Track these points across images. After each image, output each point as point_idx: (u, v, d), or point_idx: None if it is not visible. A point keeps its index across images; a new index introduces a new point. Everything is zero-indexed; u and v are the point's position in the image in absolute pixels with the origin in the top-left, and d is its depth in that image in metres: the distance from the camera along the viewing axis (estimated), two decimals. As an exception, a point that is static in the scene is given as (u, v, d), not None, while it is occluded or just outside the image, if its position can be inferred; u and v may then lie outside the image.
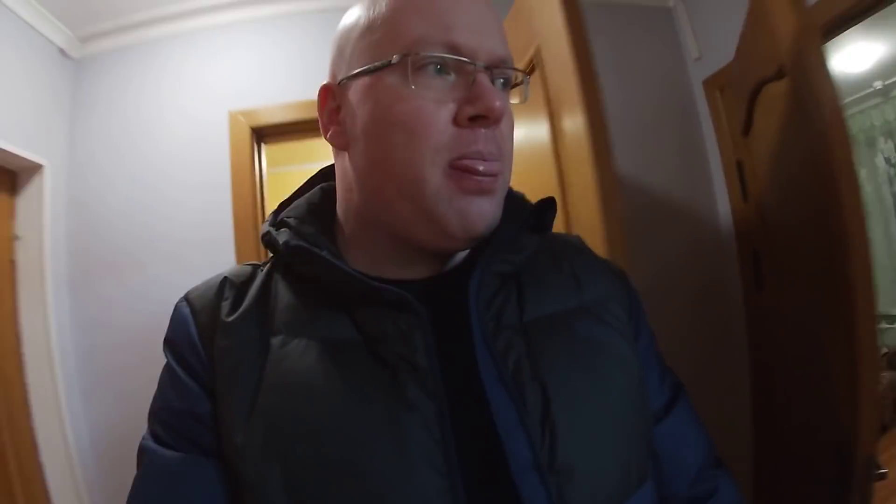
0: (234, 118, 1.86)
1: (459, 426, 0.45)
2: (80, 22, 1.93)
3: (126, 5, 1.90)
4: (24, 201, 1.87)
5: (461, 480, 0.44)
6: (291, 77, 1.89)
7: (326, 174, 0.64)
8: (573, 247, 0.63)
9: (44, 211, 1.86)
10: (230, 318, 0.51)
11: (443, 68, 0.48)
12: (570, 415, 0.48)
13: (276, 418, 0.45)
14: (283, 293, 0.52)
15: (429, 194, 0.48)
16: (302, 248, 0.50)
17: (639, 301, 0.63)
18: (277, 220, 0.57)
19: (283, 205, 0.61)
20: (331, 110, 0.54)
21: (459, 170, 0.48)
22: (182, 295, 0.56)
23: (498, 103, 0.47)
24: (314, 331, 0.49)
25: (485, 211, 0.49)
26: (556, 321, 0.53)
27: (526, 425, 0.46)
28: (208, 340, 0.50)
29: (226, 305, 0.52)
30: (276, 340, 0.49)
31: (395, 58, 0.47)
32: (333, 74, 0.54)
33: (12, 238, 1.85)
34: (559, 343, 0.51)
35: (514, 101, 0.56)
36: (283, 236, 0.53)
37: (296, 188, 0.63)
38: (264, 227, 0.56)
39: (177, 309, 0.54)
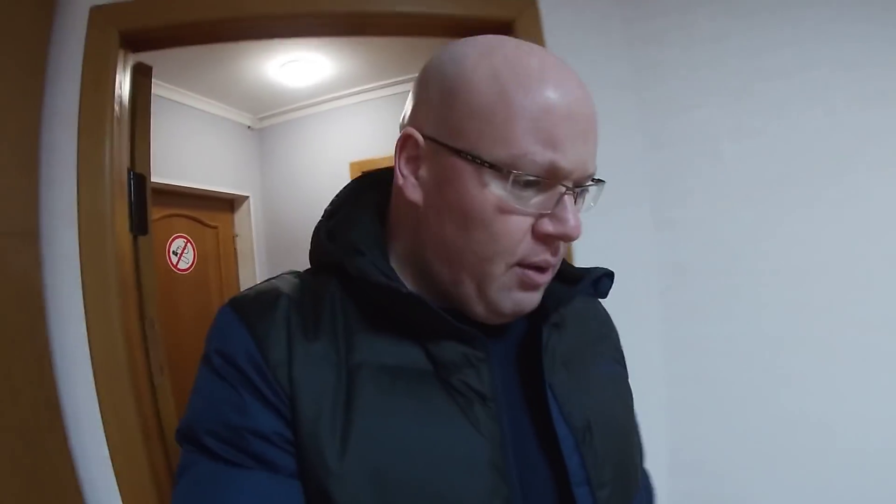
0: (352, 165, 3.23)
1: (520, 450, 0.51)
2: (258, 109, 3.36)
3: (285, 99, 3.29)
4: (238, 216, 3.34)
5: (521, 494, 0.49)
6: (392, 136, 3.24)
7: (368, 183, 0.63)
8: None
9: (251, 221, 3.32)
10: (312, 344, 0.49)
11: (538, 185, 0.48)
12: (604, 440, 0.54)
13: (370, 442, 0.46)
14: (355, 318, 0.52)
15: (493, 285, 0.50)
16: (391, 287, 0.49)
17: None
18: (342, 240, 0.55)
19: (332, 212, 0.59)
20: (409, 157, 0.52)
21: (525, 268, 0.50)
22: (230, 304, 0.52)
23: (576, 226, 0.48)
24: (392, 358, 0.50)
25: (535, 301, 0.53)
26: (586, 360, 0.60)
27: (581, 450, 0.52)
28: (278, 362, 0.48)
29: (297, 327, 0.50)
30: (357, 367, 0.49)
31: (497, 164, 0.46)
32: (419, 122, 0.52)
33: (234, 236, 3.33)
34: (589, 381, 0.58)
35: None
36: (360, 263, 0.51)
37: (341, 196, 0.61)
38: (329, 247, 0.55)
39: (226, 321, 0.50)
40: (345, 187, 0.62)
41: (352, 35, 1.55)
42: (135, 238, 1.34)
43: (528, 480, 0.50)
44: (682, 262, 1.40)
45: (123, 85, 1.27)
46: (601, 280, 0.59)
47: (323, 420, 0.46)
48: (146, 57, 1.37)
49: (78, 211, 1.19)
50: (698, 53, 1.37)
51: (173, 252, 2.88)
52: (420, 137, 0.51)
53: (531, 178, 0.47)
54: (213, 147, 3.10)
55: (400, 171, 0.53)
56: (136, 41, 1.29)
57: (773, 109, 1.30)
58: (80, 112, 1.20)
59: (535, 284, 0.51)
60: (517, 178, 0.47)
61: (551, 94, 0.46)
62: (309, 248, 0.59)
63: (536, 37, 1.37)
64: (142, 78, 1.36)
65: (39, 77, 1.19)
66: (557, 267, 0.54)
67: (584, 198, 0.52)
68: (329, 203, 0.60)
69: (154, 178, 1.46)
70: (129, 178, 1.31)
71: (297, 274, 0.57)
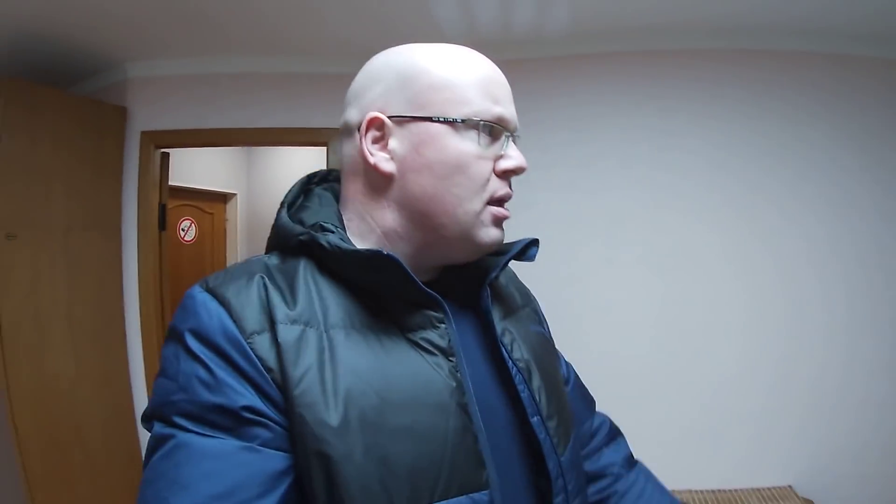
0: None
1: (481, 393, 0.58)
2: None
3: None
4: (229, 206, 4.82)
5: (487, 433, 0.56)
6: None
7: (315, 179, 0.70)
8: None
9: (237, 210, 4.80)
10: (293, 310, 0.53)
11: (491, 132, 0.60)
12: (544, 383, 0.65)
13: (357, 397, 0.51)
14: (326, 290, 0.57)
15: (473, 220, 0.60)
16: (373, 252, 0.54)
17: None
18: (311, 224, 0.60)
19: (290, 203, 0.65)
20: (375, 138, 0.60)
21: (494, 204, 0.61)
22: (200, 286, 0.55)
23: (524, 159, 0.62)
24: (363, 321, 0.56)
25: (502, 236, 0.64)
26: (519, 319, 0.72)
27: (530, 388, 0.63)
28: (257, 335, 0.51)
29: (276, 298, 0.54)
30: (336, 333, 0.54)
31: (466, 118, 0.59)
32: (380, 107, 0.60)
33: (225, 220, 4.81)
34: (524, 335, 0.68)
35: None
36: (333, 239, 0.57)
37: (294, 191, 0.67)
38: (297, 228, 0.60)
39: (197, 300, 0.53)
40: (296, 184, 0.68)
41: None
42: (160, 232, 2.82)
43: (490, 418, 0.58)
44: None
45: (155, 163, 2.76)
46: (529, 247, 0.69)
47: (313, 378, 0.50)
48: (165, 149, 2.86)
49: (138, 219, 2.69)
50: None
51: (182, 229, 4.36)
52: (386, 118, 0.60)
53: (490, 124, 0.59)
54: (214, 159, 4.56)
55: (368, 151, 0.60)
56: (161, 144, 2.76)
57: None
58: (139, 176, 2.69)
59: (503, 218, 0.63)
60: (483, 127, 0.59)
61: (487, 68, 0.62)
62: (267, 243, 0.65)
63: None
64: (165, 161, 2.85)
65: (119, 164, 2.69)
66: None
67: (517, 146, 0.63)
68: (284, 197, 0.66)
69: (172, 181, 2.94)
70: (159, 205, 2.80)
71: (263, 257, 0.61)
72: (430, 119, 0.59)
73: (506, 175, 0.63)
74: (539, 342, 0.72)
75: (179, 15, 2.21)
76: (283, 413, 0.51)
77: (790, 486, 2.22)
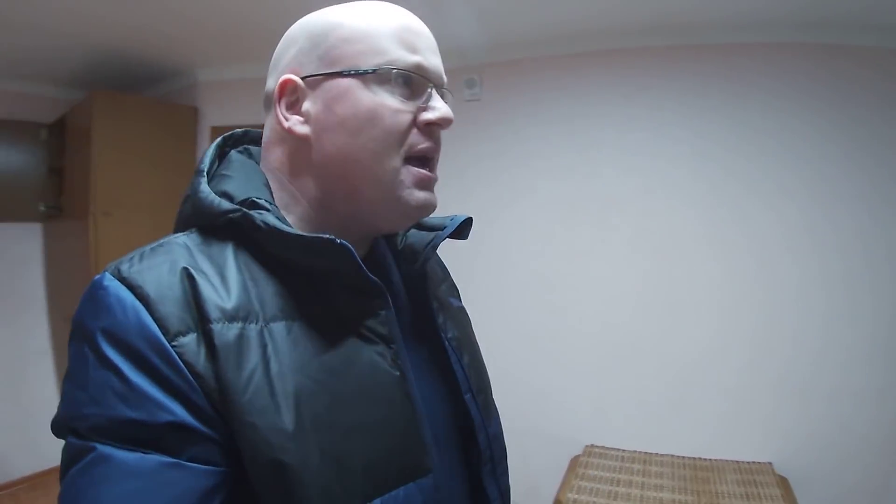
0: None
1: (420, 377, 0.58)
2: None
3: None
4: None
5: (427, 412, 0.56)
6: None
7: (231, 144, 0.64)
8: None
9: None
10: (229, 305, 0.48)
11: (409, 82, 0.56)
12: (470, 357, 0.67)
13: (311, 397, 0.48)
14: (260, 276, 0.52)
15: (393, 179, 0.56)
16: (320, 238, 0.50)
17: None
18: (239, 199, 0.54)
19: (208, 173, 0.58)
20: (289, 102, 0.57)
21: (416, 164, 0.57)
22: (110, 272, 0.48)
23: (448, 110, 0.58)
24: (306, 313, 0.52)
25: (434, 201, 0.60)
26: (445, 294, 0.73)
27: (462, 364, 0.65)
28: (186, 341, 0.45)
29: (209, 290, 0.48)
30: (277, 325, 0.50)
31: (378, 68, 0.55)
32: (295, 69, 0.57)
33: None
34: (449, 310, 0.70)
35: None
36: (269, 219, 0.51)
37: (210, 157, 0.60)
38: (225, 204, 0.53)
39: (110, 292, 0.46)
40: (210, 147, 0.61)
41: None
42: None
43: (427, 399, 0.58)
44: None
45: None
46: (464, 225, 0.67)
47: (261, 380, 0.46)
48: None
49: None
50: (460, 163, 3.09)
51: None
52: (298, 79, 0.57)
53: (406, 72, 0.55)
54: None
55: (283, 116, 0.57)
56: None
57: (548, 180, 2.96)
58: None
59: (427, 180, 0.58)
60: (396, 76, 0.55)
61: (405, 17, 0.59)
62: (179, 216, 0.57)
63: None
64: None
65: (192, 155, 3.23)
66: (434, 173, 0.60)
67: (446, 102, 0.60)
68: (199, 163, 0.58)
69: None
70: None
71: (183, 238, 0.53)
72: (340, 74, 0.56)
73: (429, 128, 0.58)
74: (461, 316, 0.74)
75: (243, 27, 2.65)
76: (214, 424, 0.45)
77: (770, 464, 2.30)
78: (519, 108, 2.86)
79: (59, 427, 0.47)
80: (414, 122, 0.58)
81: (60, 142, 3.29)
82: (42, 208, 3.39)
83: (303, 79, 0.57)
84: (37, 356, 3.26)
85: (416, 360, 0.60)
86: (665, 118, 2.55)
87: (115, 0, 2.28)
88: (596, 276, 2.68)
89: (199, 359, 0.46)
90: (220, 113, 3.24)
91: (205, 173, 0.58)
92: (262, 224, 0.51)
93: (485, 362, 0.74)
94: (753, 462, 2.32)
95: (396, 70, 0.56)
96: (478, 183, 2.97)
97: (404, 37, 0.58)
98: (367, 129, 0.56)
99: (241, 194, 0.55)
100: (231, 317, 0.48)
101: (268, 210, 0.54)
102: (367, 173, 0.56)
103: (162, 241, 0.53)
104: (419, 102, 0.58)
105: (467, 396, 0.64)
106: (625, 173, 2.63)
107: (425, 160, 0.59)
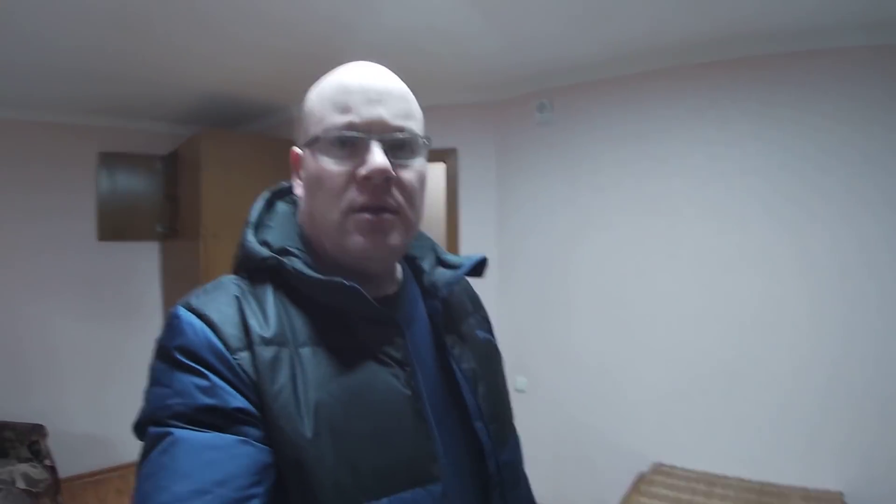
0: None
1: (433, 399, 0.64)
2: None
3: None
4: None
5: (438, 433, 0.62)
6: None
7: (277, 195, 0.74)
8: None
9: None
10: (268, 333, 0.57)
11: (343, 142, 0.61)
12: (487, 388, 0.71)
13: (326, 409, 0.55)
14: (293, 310, 0.61)
15: (337, 230, 0.62)
16: (333, 281, 0.59)
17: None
18: (276, 248, 0.64)
19: (256, 224, 0.69)
20: (295, 168, 0.68)
21: (357, 212, 0.61)
22: (183, 306, 0.58)
23: (379, 165, 0.59)
24: (330, 341, 0.60)
25: (382, 245, 0.63)
26: (470, 328, 0.77)
27: (475, 395, 0.69)
28: (239, 352, 0.55)
29: (254, 321, 0.58)
30: (305, 351, 0.58)
31: (314, 137, 0.62)
32: (298, 143, 0.67)
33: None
34: (471, 343, 0.74)
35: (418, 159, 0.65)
36: (296, 264, 0.62)
37: (258, 209, 0.70)
38: (264, 252, 0.63)
39: (182, 319, 0.57)
40: (259, 201, 0.71)
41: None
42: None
43: (442, 420, 0.63)
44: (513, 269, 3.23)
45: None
46: (480, 264, 0.74)
47: (288, 393, 0.55)
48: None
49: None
50: (534, 186, 3.14)
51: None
52: (298, 151, 0.67)
53: (338, 135, 0.60)
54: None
55: (294, 180, 0.69)
56: None
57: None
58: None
59: (371, 226, 0.61)
60: (330, 141, 0.61)
61: (345, 77, 0.63)
62: (234, 259, 0.67)
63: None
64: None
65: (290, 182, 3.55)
66: (403, 215, 0.63)
67: (405, 150, 0.63)
68: (248, 216, 0.68)
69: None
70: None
71: (234, 279, 0.64)
72: (304, 146, 0.65)
73: (367, 181, 0.60)
74: (486, 349, 0.78)
75: (329, 68, 2.88)
76: (263, 421, 0.54)
77: (841, 493, 2.21)
78: (589, 129, 2.94)
79: (139, 423, 0.55)
80: (353, 178, 0.61)
81: (174, 172, 3.74)
82: (159, 229, 3.87)
83: (301, 150, 0.67)
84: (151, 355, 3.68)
85: (434, 386, 0.66)
86: (735, 131, 2.52)
87: (219, 49, 2.62)
88: (665, 293, 2.70)
89: (251, 370, 0.55)
90: (312, 143, 3.52)
91: (252, 224, 0.68)
92: (290, 269, 0.61)
93: (508, 392, 0.79)
94: (823, 490, 2.24)
95: (326, 137, 0.62)
96: (551, 205, 3.07)
97: (337, 99, 0.62)
98: (316, 191, 0.63)
99: (277, 243, 0.65)
100: (269, 342, 0.57)
101: (297, 256, 0.63)
102: (322, 226, 0.64)
103: (218, 281, 0.64)
104: (359, 158, 0.61)
105: (477, 424, 0.68)
106: (694, 188, 2.63)
107: (376, 208, 0.62)
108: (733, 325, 2.54)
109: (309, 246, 0.67)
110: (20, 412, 3.18)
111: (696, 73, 2.61)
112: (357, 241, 0.62)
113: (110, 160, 3.77)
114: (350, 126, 0.61)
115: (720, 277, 2.57)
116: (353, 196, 0.61)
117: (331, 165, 0.62)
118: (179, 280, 3.68)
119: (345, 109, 0.62)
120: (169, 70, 2.90)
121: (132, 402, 0.62)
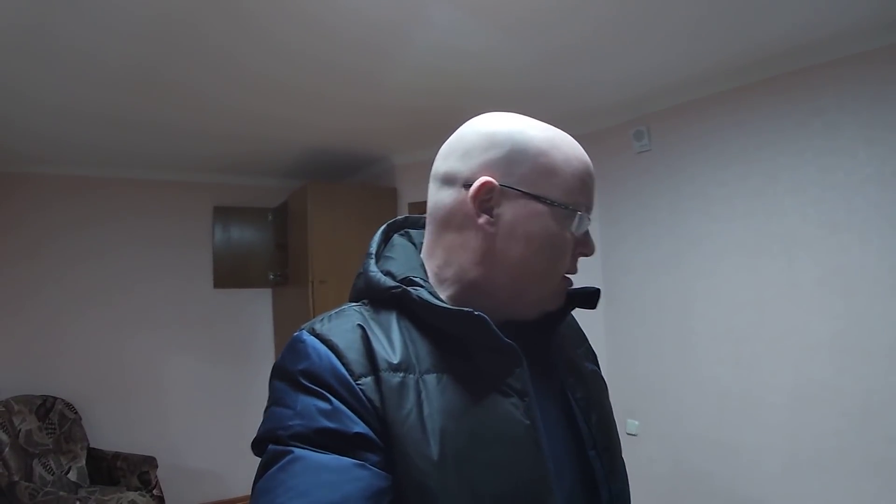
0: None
1: (549, 429, 0.64)
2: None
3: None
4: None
5: (553, 461, 0.62)
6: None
7: (395, 229, 0.77)
8: None
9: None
10: (395, 360, 0.59)
11: (583, 221, 0.66)
12: (600, 419, 0.72)
13: (451, 435, 0.56)
14: (418, 338, 0.63)
15: (550, 291, 0.68)
16: (461, 311, 0.60)
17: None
18: (400, 278, 0.65)
19: (376, 256, 0.71)
20: (482, 200, 0.64)
21: (565, 277, 0.69)
22: (307, 331, 0.61)
23: (594, 249, 0.70)
24: (453, 368, 0.61)
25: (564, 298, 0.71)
26: (578, 359, 0.78)
27: (589, 424, 0.70)
28: (364, 379, 0.57)
29: (380, 347, 0.60)
30: (430, 377, 0.60)
31: (568, 205, 0.65)
32: (494, 174, 0.64)
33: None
34: (579, 374, 0.75)
35: None
36: (422, 294, 0.62)
37: (377, 242, 0.73)
38: (389, 281, 0.65)
39: (307, 343, 0.59)
40: (378, 234, 0.74)
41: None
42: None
43: (555, 449, 0.64)
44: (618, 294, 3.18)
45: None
46: (593, 295, 0.74)
47: (415, 419, 0.56)
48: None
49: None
50: (636, 217, 3.15)
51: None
52: (497, 185, 0.64)
53: (585, 218, 0.66)
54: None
55: (476, 212, 0.64)
56: (423, 210, 3.61)
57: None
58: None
59: (568, 287, 0.70)
60: (579, 217, 0.65)
61: (587, 162, 0.68)
62: (354, 289, 0.70)
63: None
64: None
65: None
66: None
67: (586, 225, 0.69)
68: (370, 247, 0.72)
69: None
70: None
71: (356, 307, 0.66)
72: (538, 198, 0.64)
73: (581, 257, 0.69)
74: (594, 380, 0.79)
75: (426, 120, 3.10)
76: (384, 447, 0.55)
77: None
78: (688, 152, 2.84)
79: (259, 441, 0.57)
80: (573, 252, 0.68)
81: (283, 222, 4.00)
82: (271, 277, 4.13)
83: (501, 185, 0.64)
84: (263, 395, 3.87)
85: (548, 416, 0.66)
86: (846, 137, 2.30)
87: (323, 109, 2.83)
88: (788, 324, 2.47)
89: (375, 396, 0.56)
90: (414, 190, 3.71)
91: (373, 255, 0.70)
92: (417, 298, 0.62)
93: (616, 424, 0.79)
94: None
95: (580, 213, 0.66)
96: (656, 234, 2.97)
97: (587, 182, 0.67)
98: (547, 251, 0.65)
99: (400, 273, 0.66)
100: (395, 368, 0.58)
101: (422, 286, 0.64)
102: (534, 283, 0.66)
103: (341, 308, 0.66)
104: (580, 234, 0.68)
105: (591, 453, 0.69)
106: (807, 206, 2.42)
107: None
108: (868, 355, 2.28)
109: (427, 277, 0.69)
110: (133, 444, 3.42)
111: (796, 80, 2.45)
112: (560, 300, 0.70)
113: (224, 213, 4.10)
114: (588, 210, 0.68)
115: (848, 301, 2.34)
116: (570, 265, 0.68)
117: (569, 237, 0.66)
118: (289, 324, 3.88)
119: (588, 194, 0.68)
120: (279, 132, 3.17)
121: (241, 439, 0.66)
